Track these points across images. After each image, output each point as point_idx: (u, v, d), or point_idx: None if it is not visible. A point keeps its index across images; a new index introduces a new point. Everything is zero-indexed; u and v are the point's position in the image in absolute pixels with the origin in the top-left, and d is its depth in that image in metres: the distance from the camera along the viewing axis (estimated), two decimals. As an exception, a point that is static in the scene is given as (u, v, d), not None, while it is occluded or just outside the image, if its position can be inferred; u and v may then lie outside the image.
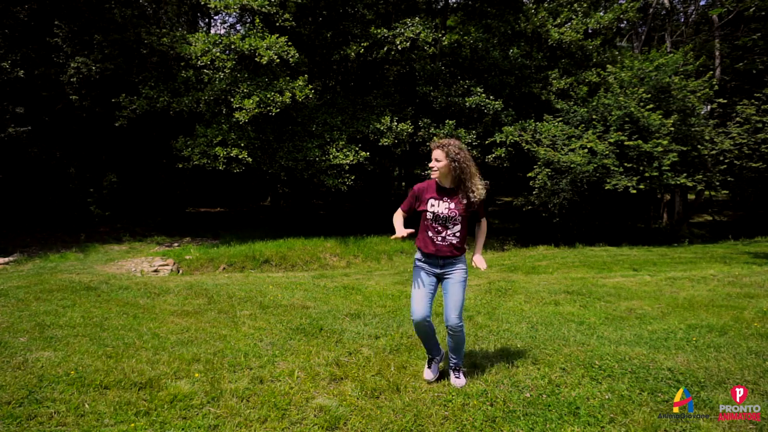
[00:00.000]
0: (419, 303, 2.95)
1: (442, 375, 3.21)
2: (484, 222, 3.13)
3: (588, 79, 15.58)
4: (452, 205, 2.93)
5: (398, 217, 3.07)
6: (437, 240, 2.95)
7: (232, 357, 3.50)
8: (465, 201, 2.92)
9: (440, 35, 15.41)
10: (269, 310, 5.04)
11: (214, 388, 2.96)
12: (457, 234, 2.96)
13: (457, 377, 3.11)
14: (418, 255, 3.07)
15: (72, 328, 4.20)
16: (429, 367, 3.18)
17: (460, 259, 3.01)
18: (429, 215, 2.95)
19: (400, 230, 2.95)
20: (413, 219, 3.09)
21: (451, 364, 3.15)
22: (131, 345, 3.76)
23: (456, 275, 2.99)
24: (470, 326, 4.46)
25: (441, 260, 2.98)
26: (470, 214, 2.99)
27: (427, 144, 14.88)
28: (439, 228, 2.94)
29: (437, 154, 2.93)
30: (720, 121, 15.57)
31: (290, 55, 12.77)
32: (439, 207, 2.94)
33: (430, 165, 2.97)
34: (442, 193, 2.97)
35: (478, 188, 2.94)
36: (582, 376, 3.17)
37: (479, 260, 3.09)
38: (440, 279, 3.03)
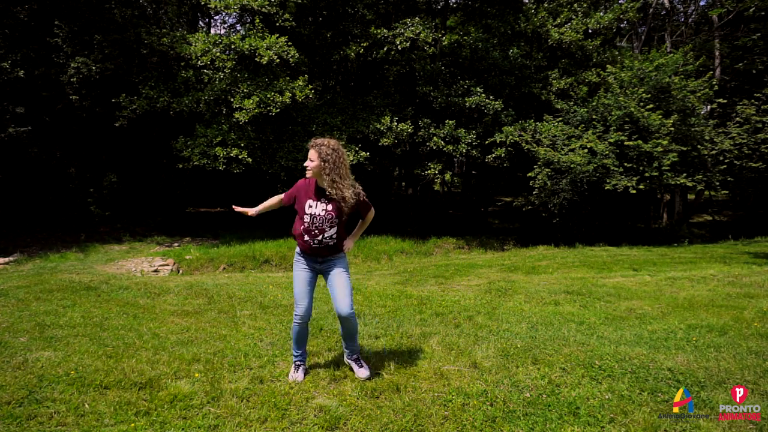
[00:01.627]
0: (305, 299, 3.00)
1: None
2: (369, 215, 3.13)
3: (588, 79, 15.58)
4: (329, 207, 2.90)
5: (271, 201, 3.13)
6: (313, 243, 2.94)
7: (232, 357, 3.50)
8: (340, 204, 2.91)
9: (440, 35, 15.40)
10: (269, 310, 5.05)
11: (214, 388, 2.96)
12: (334, 237, 2.96)
13: (360, 366, 3.16)
14: (298, 249, 3.07)
15: (72, 328, 4.20)
16: (296, 371, 3.17)
17: (340, 254, 3.06)
18: (306, 218, 2.92)
19: (251, 210, 3.06)
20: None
21: (353, 356, 3.20)
22: (131, 345, 3.76)
23: (338, 266, 3.03)
24: (470, 326, 4.46)
25: (320, 258, 3.02)
26: (349, 215, 2.98)
27: (427, 144, 14.91)
28: (316, 231, 2.91)
29: (311, 153, 2.92)
30: (720, 121, 15.56)
31: (290, 55, 12.77)
32: (316, 209, 2.91)
33: (305, 164, 2.96)
34: (319, 194, 2.94)
35: (347, 193, 2.87)
36: (582, 376, 3.17)
37: (348, 243, 3.12)
38: (322, 272, 3.07)
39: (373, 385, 3.04)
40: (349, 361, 3.25)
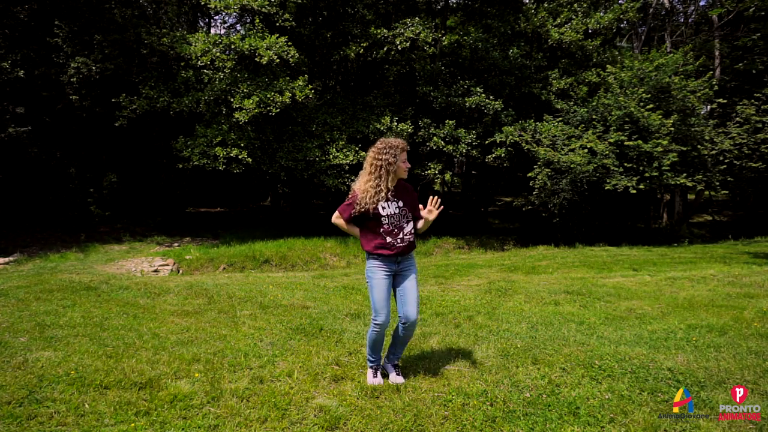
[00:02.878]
0: (387, 307, 2.99)
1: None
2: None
3: (588, 79, 15.57)
4: (401, 204, 2.98)
5: (352, 229, 3.06)
6: (397, 243, 2.96)
7: (232, 357, 3.50)
8: (407, 197, 3.02)
9: (440, 35, 15.40)
10: (269, 310, 5.04)
11: (214, 388, 2.96)
12: (412, 231, 3.02)
13: (398, 373, 3.16)
14: (374, 257, 3.00)
15: (72, 328, 4.20)
16: (375, 376, 3.16)
17: (413, 252, 3.09)
18: (384, 220, 2.93)
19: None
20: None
21: (395, 361, 3.21)
22: (131, 345, 3.76)
23: (412, 268, 3.06)
24: (470, 326, 4.46)
25: (400, 258, 3.01)
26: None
27: (427, 144, 14.92)
28: (396, 230, 2.96)
29: (406, 155, 2.98)
30: (720, 121, 15.56)
31: (290, 55, 12.77)
32: (389, 209, 2.95)
33: (407, 166, 2.98)
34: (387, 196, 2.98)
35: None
36: (582, 376, 3.17)
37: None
38: (396, 275, 3.05)
39: (373, 385, 3.04)
40: (389, 365, 3.22)
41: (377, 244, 2.95)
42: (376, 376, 3.13)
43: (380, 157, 2.89)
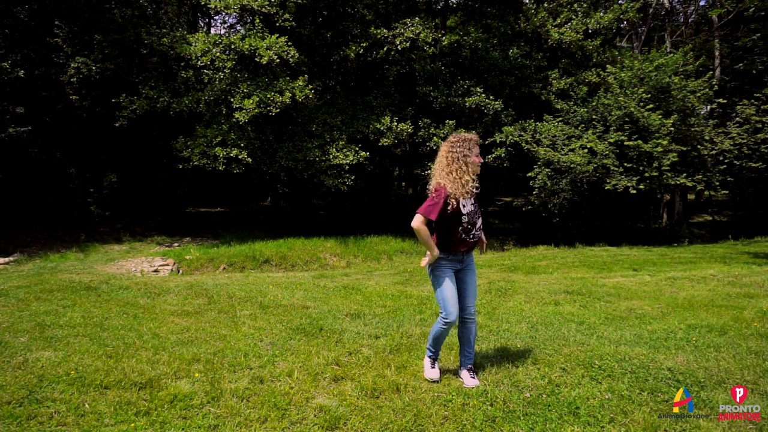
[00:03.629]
0: (457, 304, 2.98)
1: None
2: None
3: (588, 79, 15.58)
4: (472, 200, 2.99)
5: (430, 238, 2.92)
6: (470, 239, 2.98)
7: (232, 357, 3.50)
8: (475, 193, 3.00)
9: (440, 35, 15.41)
10: (269, 310, 5.04)
11: (214, 388, 2.96)
12: (481, 226, 3.07)
13: (472, 377, 3.08)
14: (443, 255, 2.95)
15: (72, 328, 4.20)
16: (433, 367, 3.19)
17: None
18: (464, 218, 2.91)
19: (433, 252, 2.90)
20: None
21: (468, 365, 3.13)
22: (131, 345, 3.76)
23: (473, 264, 3.09)
24: (470, 326, 4.45)
25: (468, 253, 3.05)
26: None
27: (427, 144, 14.90)
28: (470, 227, 2.96)
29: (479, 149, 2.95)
30: (720, 121, 15.57)
31: (290, 55, 12.77)
32: (468, 206, 2.94)
33: (480, 161, 2.93)
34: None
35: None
36: (582, 376, 3.17)
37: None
38: (459, 271, 3.06)
39: (373, 385, 3.04)
40: (464, 370, 3.11)
41: (454, 240, 2.92)
42: (434, 367, 3.16)
43: (456, 150, 2.84)
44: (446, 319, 2.92)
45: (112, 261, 10.84)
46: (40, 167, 15.41)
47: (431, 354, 3.18)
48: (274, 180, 18.34)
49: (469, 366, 3.12)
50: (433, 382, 3.08)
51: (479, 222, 3.02)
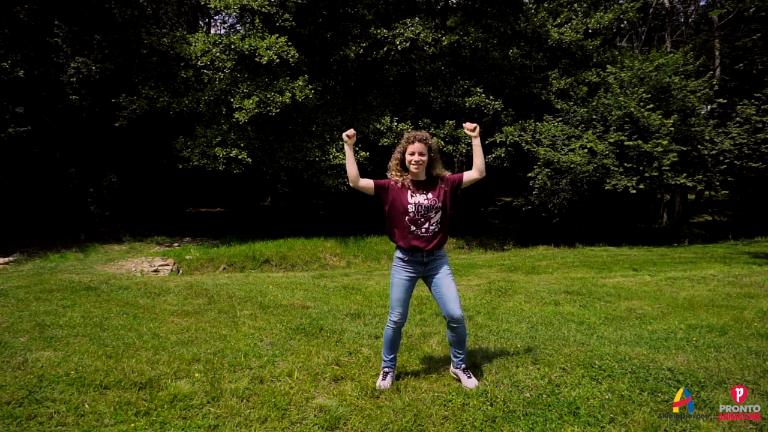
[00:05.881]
0: (402, 306, 2.99)
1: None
2: (470, 174, 3.11)
3: (588, 79, 15.57)
4: (430, 195, 2.94)
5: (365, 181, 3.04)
6: (421, 232, 2.93)
7: (232, 357, 3.50)
8: (441, 188, 2.99)
9: (440, 35, 15.40)
10: (269, 310, 5.04)
11: (214, 388, 2.96)
12: (439, 223, 2.97)
13: (469, 377, 3.06)
14: (400, 254, 2.98)
15: (72, 328, 4.20)
16: (385, 378, 3.08)
17: (442, 251, 3.02)
18: (410, 207, 2.91)
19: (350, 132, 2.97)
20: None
21: (462, 365, 3.10)
22: (131, 345, 3.76)
23: (443, 268, 3.00)
24: (470, 326, 4.45)
25: (426, 257, 2.96)
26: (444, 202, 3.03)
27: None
28: (422, 219, 2.93)
29: (419, 147, 2.93)
30: (720, 121, 15.57)
31: (290, 55, 12.77)
32: (418, 197, 2.93)
33: (416, 159, 2.92)
34: (417, 186, 2.98)
35: (446, 173, 3.10)
36: (582, 376, 3.17)
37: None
38: (425, 278, 3.01)
39: (373, 385, 3.03)
40: (457, 371, 3.11)
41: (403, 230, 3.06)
42: (385, 379, 3.05)
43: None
44: (391, 318, 2.98)
45: (112, 261, 10.84)
46: (40, 167, 15.40)
47: (385, 362, 3.10)
48: (274, 180, 18.34)
49: (463, 366, 3.10)
50: (381, 390, 2.95)
51: (435, 217, 2.93)
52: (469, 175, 3.07)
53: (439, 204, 2.93)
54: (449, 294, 2.93)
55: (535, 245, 14.40)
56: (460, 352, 3.07)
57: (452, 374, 3.18)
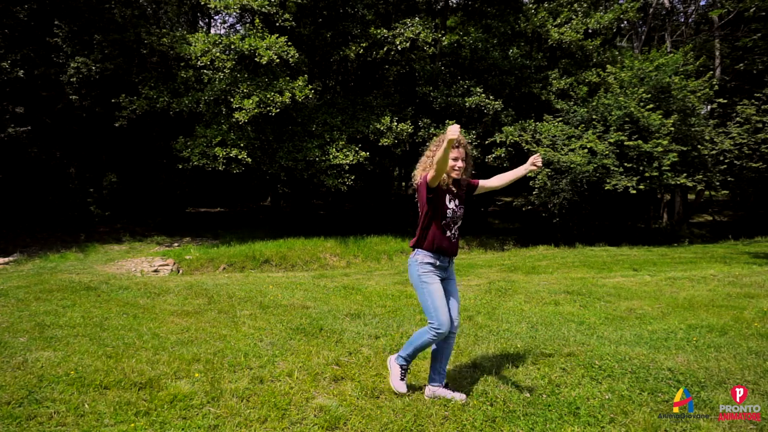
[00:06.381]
0: (448, 312, 2.78)
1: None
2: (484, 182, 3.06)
3: (588, 79, 15.58)
4: (457, 201, 2.87)
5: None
6: (453, 239, 2.87)
7: (232, 357, 3.50)
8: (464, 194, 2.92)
9: (440, 35, 15.40)
10: (269, 310, 5.04)
11: (214, 388, 2.95)
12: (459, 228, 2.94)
13: (454, 391, 2.90)
14: (428, 259, 2.81)
15: (72, 328, 4.20)
16: (403, 379, 2.97)
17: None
18: (449, 212, 2.81)
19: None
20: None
21: (443, 382, 2.92)
22: (131, 345, 3.76)
23: (453, 273, 2.97)
24: (470, 326, 4.45)
25: (450, 258, 2.91)
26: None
27: (428, 144, 14.89)
28: (452, 225, 2.86)
29: (461, 152, 2.81)
30: (720, 121, 15.57)
31: (290, 55, 12.77)
32: (452, 203, 2.85)
33: (458, 165, 2.80)
34: (449, 190, 2.87)
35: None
36: (582, 376, 3.17)
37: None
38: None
39: (372, 385, 3.03)
40: (437, 391, 2.87)
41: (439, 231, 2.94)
42: (404, 379, 2.96)
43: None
44: (438, 329, 2.69)
45: (112, 261, 10.84)
46: (40, 167, 15.40)
47: (404, 363, 2.93)
48: (274, 180, 18.33)
49: (444, 382, 2.93)
50: (400, 395, 2.88)
51: (460, 223, 2.91)
52: (487, 183, 3.04)
53: (464, 209, 2.92)
54: (455, 302, 2.91)
55: (535, 245, 14.40)
56: (443, 367, 2.91)
57: (432, 397, 2.87)
